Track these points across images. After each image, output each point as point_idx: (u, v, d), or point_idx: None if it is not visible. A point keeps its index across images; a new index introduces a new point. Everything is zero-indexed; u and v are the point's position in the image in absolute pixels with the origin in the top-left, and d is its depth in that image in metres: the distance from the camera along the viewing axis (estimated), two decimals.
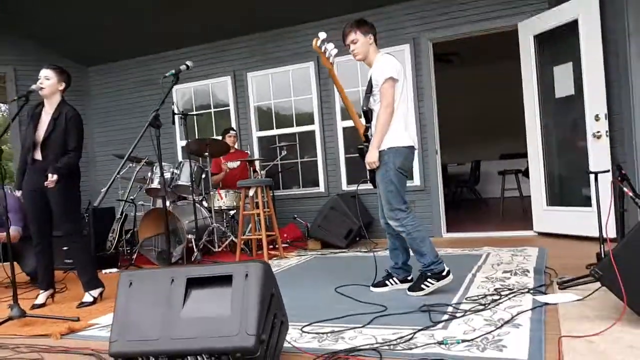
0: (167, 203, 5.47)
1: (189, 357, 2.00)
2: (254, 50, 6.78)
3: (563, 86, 5.03)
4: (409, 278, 3.47)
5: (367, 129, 3.41)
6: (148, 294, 2.09)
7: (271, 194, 5.72)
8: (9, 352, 2.78)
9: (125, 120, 7.56)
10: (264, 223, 5.05)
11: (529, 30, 5.32)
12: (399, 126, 3.25)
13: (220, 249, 5.49)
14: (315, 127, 6.50)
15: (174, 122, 5.50)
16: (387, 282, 3.47)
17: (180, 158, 7.11)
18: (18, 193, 3.89)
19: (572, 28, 4.82)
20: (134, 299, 2.09)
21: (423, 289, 3.22)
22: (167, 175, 5.49)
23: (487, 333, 2.42)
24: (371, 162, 3.26)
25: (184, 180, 5.49)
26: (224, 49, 6.94)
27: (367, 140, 3.38)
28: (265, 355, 2.00)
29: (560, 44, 5.05)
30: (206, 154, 5.47)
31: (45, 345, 2.83)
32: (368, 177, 3.40)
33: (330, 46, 3.42)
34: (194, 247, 5.29)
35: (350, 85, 6.11)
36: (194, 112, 7.07)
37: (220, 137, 6.23)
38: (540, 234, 5.40)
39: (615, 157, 4.57)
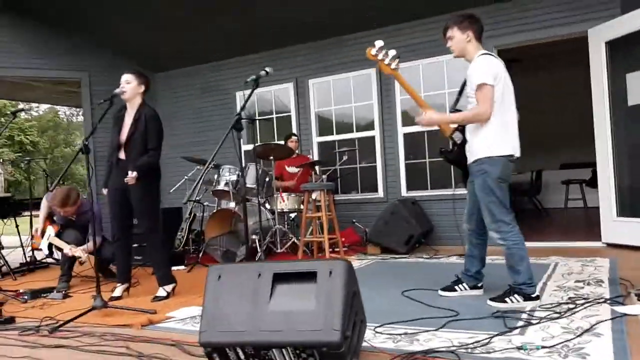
0: (232, 204, 5.63)
1: (274, 350, 2.09)
2: (315, 57, 6.90)
3: (637, 94, 4.86)
4: (479, 285, 3.45)
5: (453, 131, 3.35)
6: (236, 287, 2.19)
7: (332, 198, 5.79)
8: (96, 339, 2.96)
9: (190, 124, 7.84)
10: (326, 226, 5.13)
11: (600, 36, 5.18)
12: (496, 134, 3.09)
13: (282, 250, 5.61)
14: (376, 132, 6.54)
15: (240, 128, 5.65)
16: (456, 287, 3.46)
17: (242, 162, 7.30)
18: (105, 191, 4.12)
19: None
20: (222, 292, 2.19)
21: (506, 302, 3.10)
22: (233, 177, 5.66)
23: (567, 341, 2.39)
24: (427, 120, 3.22)
25: (250, 182, 5.65)
26: (286, 56, 7.09)
27: (455, 144, 3.35)
28: (348, 351, 2.05)
29: (634, 51, 4.89)
30: (271, 157, 5.60)
31: (129, 335, 3.00)
32: (462, 178, 3.42)
33: (391, 52, 3.38)
34: (257, 247, 5.42)
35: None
36: (259, 117, 7.26)
37: (282, 142, 6.37)
38: (610, 245, 5.22)
39: None
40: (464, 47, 3.23)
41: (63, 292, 4.32)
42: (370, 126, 6.62)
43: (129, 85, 3.95)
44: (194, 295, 3.98)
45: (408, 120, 6.35)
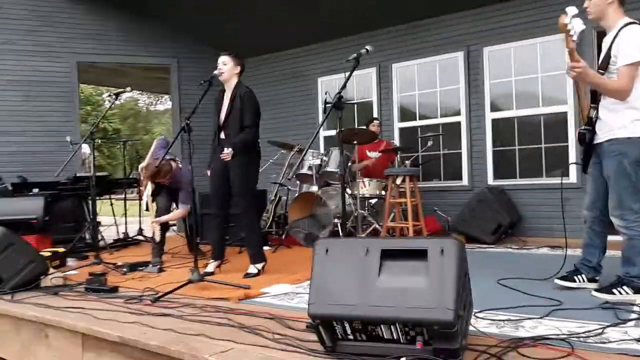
0: (315, 188, 5.66)
1: (382, 325, 2.06)
2: (399, 41, 6.78)
3: None
4: (597, 278, 3.22)
5: (591, 109, 3.06)
6: (343, 262, 2.17)
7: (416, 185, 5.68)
8: (197, 310, 3.07)
9: (275, 110, 7.92)
10: (410, 212, 5.05)
11: None
12: (637, 112, 2.86)
13: (364, 235, 5.58)
14: (462, 118, 6.35)
15: (325, 111, 5.68)
16: (575, 277, 3.22)
17: (322, 147, 7.34)
18: (208, 172, 4.28)
19: None
20: (330, 266, 2.19)
21: (614, 294, 2.91)
22: (317, 161, 5.69)
23: None
24: (583, 69, 2.80)
25: (332, 167, 5.66)
26: (369, 41, 7.01)
27: (590, 122, 3.05)
28: (459, 331, 1.99)
29: None
30: (355, 142, 5.58)
31: (227, 307, 3.08)
32: (582, 161, 3.16)
33: (577, 23, 2.79)
34: (339, 231, 5.42)
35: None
36: (349, 101, 7.22)
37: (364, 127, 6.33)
38: None
39: None
40: (604, 9, 2.94)
41: (158, 266, 4.52)
42: (456, 112, 6.43)
43: (226, 67, 4.05)
44: (281, 274, 4.04)
45: (497, 105, 6.12)
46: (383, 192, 5.79)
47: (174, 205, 5.02)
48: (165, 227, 5.00)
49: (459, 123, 6.39)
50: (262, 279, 3.94)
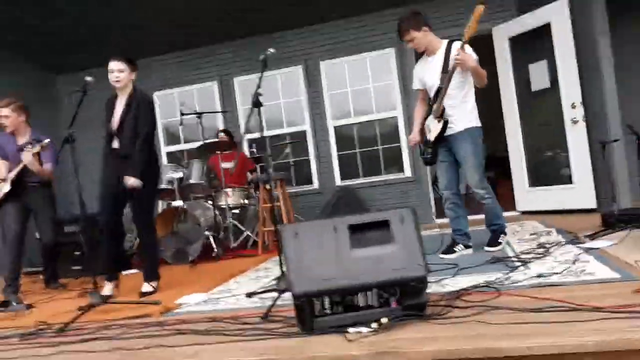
0: (179, 202, 5.49)
1: (359, 294, 2.27)
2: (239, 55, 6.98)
3: (539, 81, 5.75)
4: (470, 244, 3.87)
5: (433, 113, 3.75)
6: (314, 241, 2.32)
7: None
8: (123, 330, 2.82)
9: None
10: (285, 214, 5.28)
11: (504, 33, 6.02)
12: (475, 108, 3.79)
13: (235, 245, 5.62)
14: (307, 127, 6.81)
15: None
16: (454, 249, 3.81)
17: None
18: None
19: (545, 30, 5.55)
20: (302, 247, 2.31)
21: (500, 243, 3.77)
22: (177, 174, 5.55)
23: (568, 268, 2.88)
24: (468, 57, 3.52)
25: (196, 178, 5.58)
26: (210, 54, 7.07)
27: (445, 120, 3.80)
28: (426, 286, 2.30)
29: (534, 45, 5.77)
30: (218, 152, 5.61)
31: (155, 322, 2.91)
32: (430, 155, 3.85)
33: None
34: (212, 243, 5.38)
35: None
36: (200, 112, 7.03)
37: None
38: (524, 212, 6.06)
39: (591, 139, 5.30)
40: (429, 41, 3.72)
41: (24, 303, 3.95)
42: (301, 121, 6.87)
43: (123, 74, 3.77)
44: (181, 287, 3.90)
45: (338, 115, 6.73)
46: (245, 201, 5.91)
47: None
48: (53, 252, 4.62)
49: (304, 131, 6.83)
50: (166, 295, 3.73)
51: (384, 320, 2.20)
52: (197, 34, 6.76)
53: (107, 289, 3.87)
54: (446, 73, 3.59)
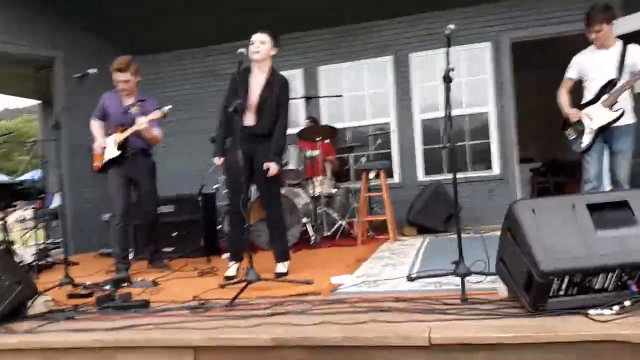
0: None
1: (600, 275, 2.15)
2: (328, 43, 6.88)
3: None
4: None
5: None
6: (554, 219, 2.21)
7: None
8: (311, 305, 2.71)
9: (182, 111, 7.25)
10: (389, 205, 5.17)
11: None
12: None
13: (328, 234, 5.51)
14: (391, 119, 6.70)
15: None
16: None
17: None
18: (218, 160, 3.79)
19: None
20: (541, 224, 2.21)
21: None
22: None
23: None
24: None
25: (293, 165, 5.47)
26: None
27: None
28: None
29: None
30: (319, 139, 5.50)
31: (337, 300, 2.79)
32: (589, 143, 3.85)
33: None
34: (309, 230, 5.27)
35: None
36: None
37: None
38: None
39: None
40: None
41: (150, 279, 3.84)
42: (385, 113, 6.76)
43: (264, 46, 3.65)
44: (306, 271, 3.77)
45: (425, 107, 6.60)
46: (333, 190, 5.79)
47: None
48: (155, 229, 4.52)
49: (388, 124, 6.72)
50: (304, 276, 3.61)
51: (627, 303, 2.10)
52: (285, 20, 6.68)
53: (232, 269, 3.78)
54: (620, 71, 3.77)
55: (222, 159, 3.79)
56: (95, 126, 4.43)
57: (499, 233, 2.57)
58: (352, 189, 5.78)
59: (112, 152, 4.29)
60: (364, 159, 5.86)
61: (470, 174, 6.45)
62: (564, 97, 4.12)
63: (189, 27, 6.80)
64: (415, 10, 6.48)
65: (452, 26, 3.21)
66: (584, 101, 4.05)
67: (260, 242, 5.30)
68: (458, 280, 2.64)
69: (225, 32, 6.84)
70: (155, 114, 4.14)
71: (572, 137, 4.00)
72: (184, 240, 5.13)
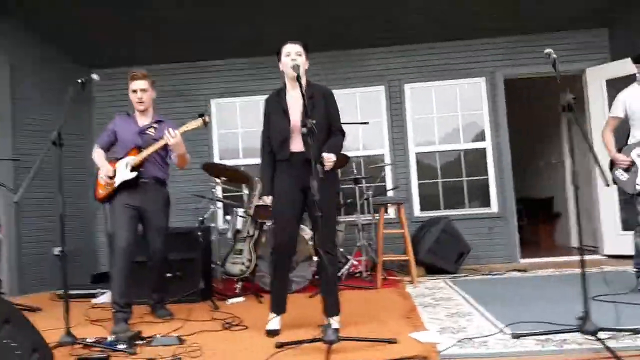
0: None
1: None
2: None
3: None
4: None
5: None
6: None
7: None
8: None
9: None
10: (409, 243, 4.74)
11: (599, 75, 6.00)
12: None
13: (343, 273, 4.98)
14: (385, 151, 6.35)
15: None
16: None
17: None
18: (268, 199, 3.19)
19: None
20: None
21: None
22: None
23: None
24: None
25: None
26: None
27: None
28: None
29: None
30: None
31: None
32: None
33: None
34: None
35: None
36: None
37: None
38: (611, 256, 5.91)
39: None
40: None
41: (174, 335, 3.10)
42: (380, 145, 6.39)
43: (301, 59, 3.12)
44: (361, 325, 3.23)
45: (419, 141, 6.34)
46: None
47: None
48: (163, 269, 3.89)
49: (382, 155, 6.36)
50: (366, 330, 3.06)
51: None
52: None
53: (276, 322, 3.16)
54: None
55: (271, 197, 3.20)
56: (100, 154, 3.76)
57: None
58: (360, 224, 5.28)
59: (125, 175, 3.59)
60: (370, 192, 5.40)
61: (469, 211, 6.23)
62: (608, 138, 4.06)
63: (158, 42, 6.06)
64: (411, 41, 6.27)
65: (549, 50, 2.93)
66: (633, 140, 3.94)
67: (264, 283, 4.65)
68: (575, 336, 2.44)
69: (196, 49, 6.22)
70: (192, 124, 3.49)
71: (625, 179, 3.86)
72: (179, 282, 4.36)
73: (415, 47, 6.34)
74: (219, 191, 6.02)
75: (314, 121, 2.74)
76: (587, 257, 5.60)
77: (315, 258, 4.71)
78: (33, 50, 5.85)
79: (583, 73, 6.20)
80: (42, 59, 5.95)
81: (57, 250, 5.77)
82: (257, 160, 6.06)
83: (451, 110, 6.34)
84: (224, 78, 6.56)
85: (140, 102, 3.69)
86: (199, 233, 4.36)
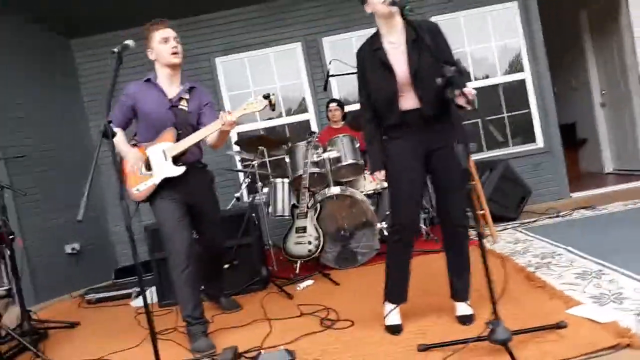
0: (337, 190, 4.22)
1: None
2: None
3: None
4: None
5: None
6: None
7: None
8: None
9: None
10: (482, 194, 4.25)
11: None
12: None
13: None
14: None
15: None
16: None
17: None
18: (380, 174, 2.62)
19: None
20: None
21: None
22: (332, 154, 4.27)
23: None
24: None
25: (350, 158, 4.33)
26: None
27: None
28: None
29: None
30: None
31: None
32: None
33: None
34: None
35: None
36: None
37: None
38: None
39: None
40: None
41: (280, 348, 2.56)
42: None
43: None
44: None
45: None
46: (385, 184, 4.73)
47: None
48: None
49: None
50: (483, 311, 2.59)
51: None
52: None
53: (395, 315, 2.65)
54: None
55: (384, 171, 2.61)
56: (121, 137, 2.93)
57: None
58: None
59: (166, 169, 2.87)
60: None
61: (514, 149, 5.77)
62: None
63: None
64: None
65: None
66: None
67: (327, 259, 4.14)
68: None
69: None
70: (254, 106, 2.81)
71: None
72: (237, 271, 3.80)
73: None
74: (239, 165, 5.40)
75: (452, 67, 2.12)
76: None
77: (379, 225, 4.22)
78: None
79: None
80: (11, 29, 5.03)
81: (70, 248, 5.13)
82: (279, 122, 5.70)
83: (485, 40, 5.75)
84: (226, 32, 5.77)
85: (176, 54, 2.88)
86: (253, 214, 3.76)
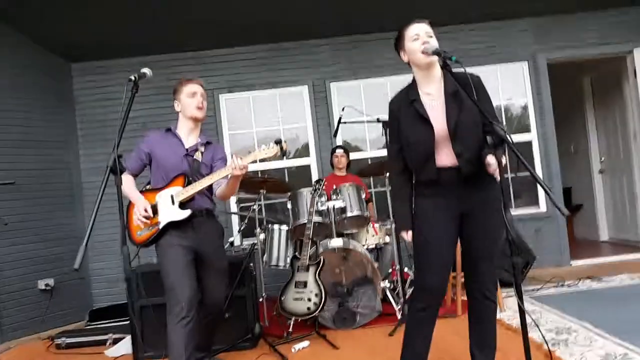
0: (339, 242, 3.97)
1: None
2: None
3: None
4: None
5: None
6: None
7: None
8: None
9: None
10: None
11: None
12: None
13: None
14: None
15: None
16: None
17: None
18: (407, 235, 2.40)
19: None
20: None
21: None
22: (339, 203, 4.05)
23: None
24: None
25: (356, 209, 4.11)
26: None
27: None
28: None
29: None
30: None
31: None
32: None
33: None
34: (391, 299, 3.97)
35: None
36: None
37: None
38: None
39: None
40: None
41: None
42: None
43: (434, 41, 2.30)
44: None
45: None
46: (387, 239, 4.52)
47: None
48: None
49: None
50: None
51: None
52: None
53: None
54: None
55: (411, 232, 2.41)
56: (131, 183, 2.86)
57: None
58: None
59: (173, 213, 2.70)
60: None
61: (515, 212, 5.63)
62: None
63: (151, 28, 5.01)
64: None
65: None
66: None
67: (323, 317, 3.85)
68: None
69: (197, 35, 5.24)
70: (265, 152, 2.67)
71: None
72: (227, 326, 3.48)
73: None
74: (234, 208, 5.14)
75: (503, 125, 1.97)
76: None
77: (382, 284, 3.98)
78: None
79: (629, 54, 5.69)
80: (12, 47, 4.81)
81: (43, 284, 4.76)
82: (278, 165, 5.48)
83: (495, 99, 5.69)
84: (232, 69, 5.62)
85: (201, 109, 2.89)
86: (250, 264, 3.50)
